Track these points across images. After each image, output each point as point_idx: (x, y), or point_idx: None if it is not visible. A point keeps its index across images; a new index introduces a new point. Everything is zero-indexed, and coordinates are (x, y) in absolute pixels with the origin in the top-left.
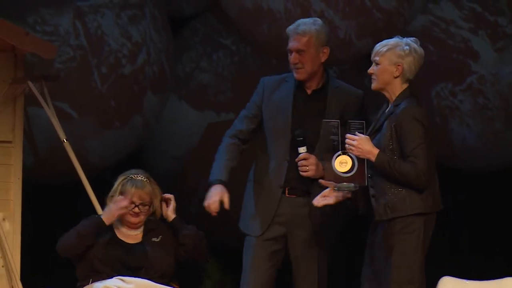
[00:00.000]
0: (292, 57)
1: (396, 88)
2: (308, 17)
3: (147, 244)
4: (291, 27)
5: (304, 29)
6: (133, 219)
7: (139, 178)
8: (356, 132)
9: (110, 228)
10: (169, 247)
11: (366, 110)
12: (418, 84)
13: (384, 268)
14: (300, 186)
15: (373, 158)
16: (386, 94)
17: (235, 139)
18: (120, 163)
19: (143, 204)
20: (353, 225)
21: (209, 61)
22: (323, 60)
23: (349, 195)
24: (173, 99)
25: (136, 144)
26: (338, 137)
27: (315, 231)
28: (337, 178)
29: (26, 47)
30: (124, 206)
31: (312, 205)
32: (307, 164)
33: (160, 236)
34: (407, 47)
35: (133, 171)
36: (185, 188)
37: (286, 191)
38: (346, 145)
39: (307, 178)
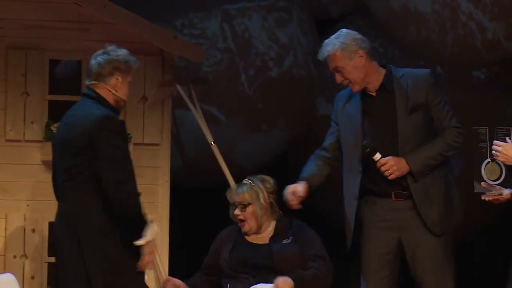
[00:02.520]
0: (336, 78)
1: None
2: (457, 18)
3: (275, 244)
4: (319, 52)
5: (328, 49)
6: (242, 227)
7: (244, 182)
8: (507, 139)
9: (238, 233)
10: (299, 250)
11: (433, 87)
12: None
13: None
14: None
15: None
16: None
17: (320, 157)
18: (268, 166)
19: (241, 205)
20: None
21: None
22: (364, 62)
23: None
24: (321, 102)
25: (283, 147)
26: (487, 144)
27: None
28: (487, 185)
29: (174, 50)
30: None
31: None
32: (387, 167)
33: (291, 237)
34: None
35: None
36: (333, 190)
37: (393, 196)
38: (493, 152)
39: (398, 178)
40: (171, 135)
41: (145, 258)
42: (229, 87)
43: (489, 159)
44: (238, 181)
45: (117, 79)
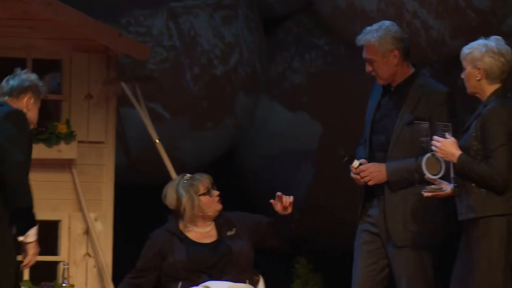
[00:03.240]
0: (366, 67)
1: (485, 90)
2: (402, 17)
3: (226, 239)
4: (359, 36)
5: (367, 38)
6: (219, 206)
7: (190, 174)
8: (446, 134)
9: (181, 234)
10: (246, 237)
11: (443, 108)
12: None
13: (468, 271)
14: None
15: (454, 160)
16: (479, 96)
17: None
18: (212, 163)
19: (214, 188)
20: None
21: (302, 62)
22: (396, 63)
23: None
24: (265, 100)
25: (228, 145)
26: (428, 139)
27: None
28: (427, 179)
29: (119, 48)
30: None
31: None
32: (365, 174)
33: (234, 229)
34: (484, 48)
35: (177, 177)
36: (277, 188)
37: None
38: (433, 147)
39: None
40: (115, 133)
41: (31, 258)
42: (174, 85)
43: (429, 154)
44: None
45: (30, 98)
